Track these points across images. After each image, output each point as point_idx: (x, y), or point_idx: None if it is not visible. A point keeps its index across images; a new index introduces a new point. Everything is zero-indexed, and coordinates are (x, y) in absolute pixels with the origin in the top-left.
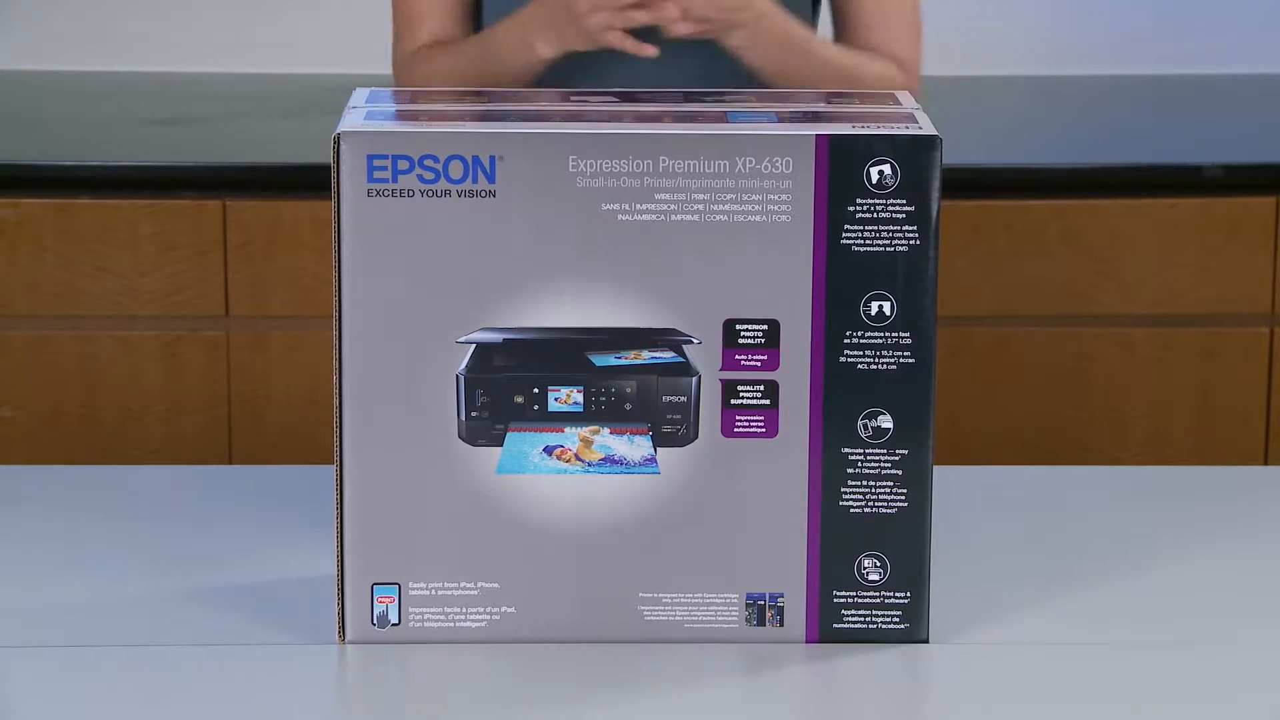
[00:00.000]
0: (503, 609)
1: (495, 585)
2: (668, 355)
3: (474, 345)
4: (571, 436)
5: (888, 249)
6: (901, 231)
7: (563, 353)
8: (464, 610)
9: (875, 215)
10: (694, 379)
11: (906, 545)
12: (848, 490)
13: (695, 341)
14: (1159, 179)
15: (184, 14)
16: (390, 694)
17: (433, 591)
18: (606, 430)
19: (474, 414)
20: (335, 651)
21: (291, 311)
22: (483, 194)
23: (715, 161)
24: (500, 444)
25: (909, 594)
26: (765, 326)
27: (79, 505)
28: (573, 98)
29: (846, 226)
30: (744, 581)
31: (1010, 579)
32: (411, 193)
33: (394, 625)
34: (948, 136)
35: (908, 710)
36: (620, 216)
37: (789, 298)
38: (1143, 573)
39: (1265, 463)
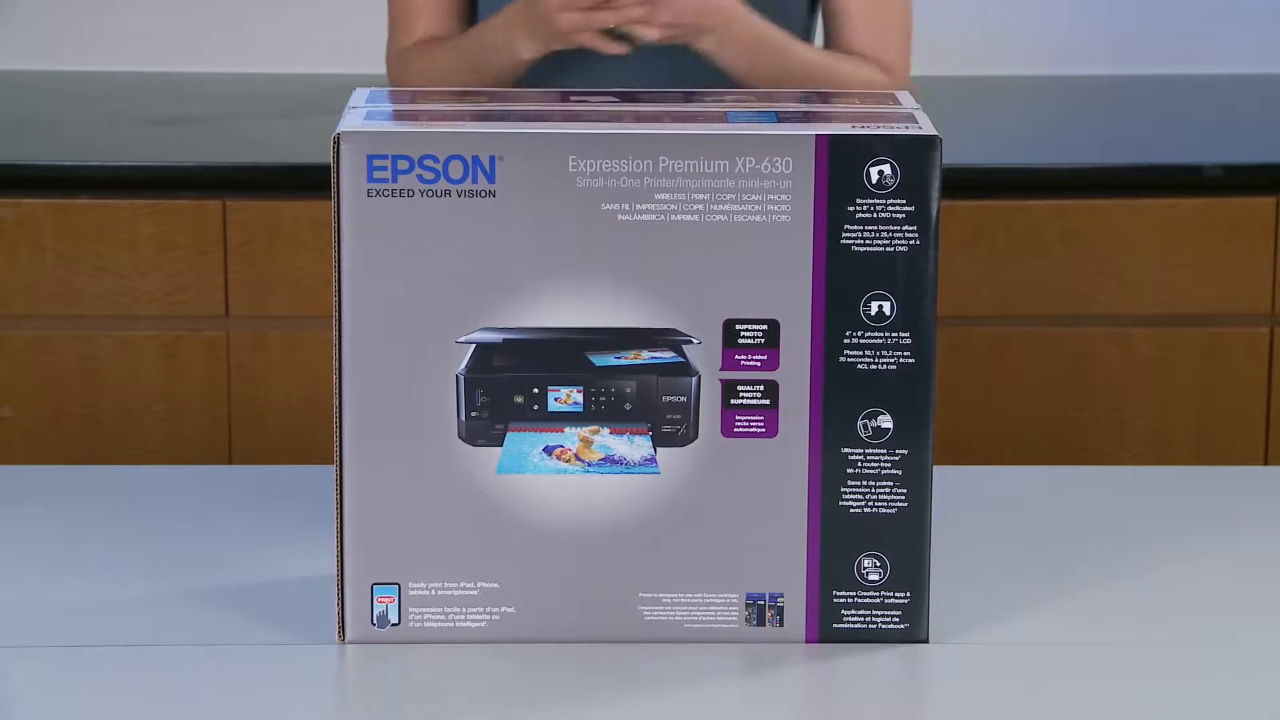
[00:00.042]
0: (503, 609)
1: (495, 585)
2: (668, 355)
3: (474, 345)
4: (571, 436)
5: (888, 249)
6: (901, 231)
7: (563, 353)
8: (464, 610)
9: (875, 215)
10: (694, 379)
11: (906, 545)
12: (847, 490)
13: (695, 341)
14: (1159, 179)
15: (184, 14)
16: (390, 694)
17: (433, 591)
18: (606, 430)
19: (474, 414)
20: (335, 651)
21: (291, 311)
22: (483, 194)
23: (715, 161)
24: (500, 444)
25: (909, 594)
26: (765, 326)
27: (79, 505)
28: (573, 98)
29: (846, 226)
30: (744, 581)
31: (1010, 579)
32: (411, 193)
33: (394, 625)
34: (948, 136)
35: (908, 710)
36: (620, 216)
37: (789, 298)
38: (1143, 573)
39: (1265, 463)
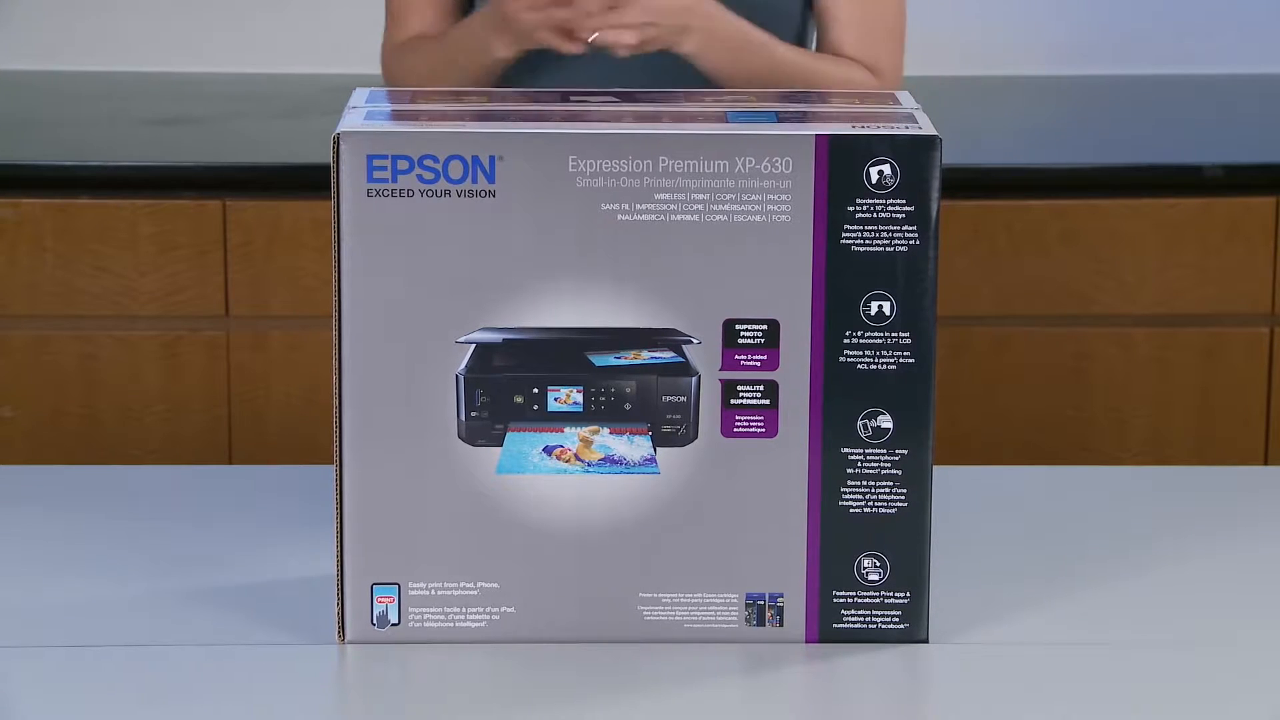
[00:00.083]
0: (503, 609)
1: (495, 585)
2: (667, 355)
3: (474, 345)
4: (571, 436)
5: (888, 249)
6: (901, 231)
7: (562, 353)
8: (464, 610)
9: (875, 215)
10: (694, 379)
11: (906, 545)
12: (847, 490)
13: (695, 341)
14: (1159, 179)
15: (184, 14)
16: (390, 694)
17: (432, 591)
18: (606, 430)
19: (474, 414)
20: (335, 651)
21: (291, 311)
22: (482, 194)
23: (715, 161)
24: (500, 444)
25: (909, 594)
26: (765, 326)
27: (79, 505)
28: (573, 98)
29: (846, 226)
30: (744, 581)
31: (1010, 579)
32: (411, 193)
33: (394, 625)
34: (948, 136)
35: (908, 710)
36: (620, 216)
37: (789, 298)
38: (1143, 573)
39: (1265, 463)
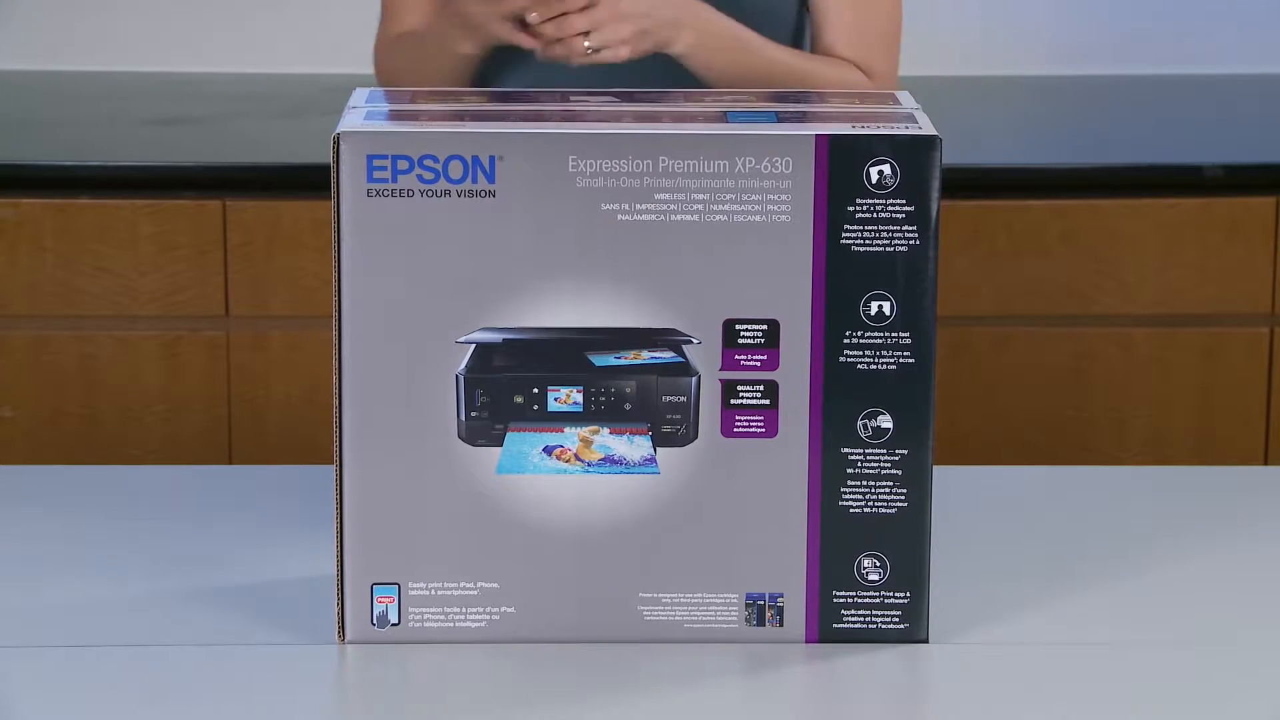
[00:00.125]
0: (503, 609)
1: (495, 585)
2: (667, 355)
3: (474, 345)
4: (571, 436)
5: (887, 249)
6: (901, 231)
7: (562, 353)
8: (464, 610)
9: (875, 215)
10: (694, 379)
11: (906, 545)
12: (847, 490)
13: (695, 341)
14: (1159, 179)
15: (184, 14)
16: (390, 694)
17: (432, 591)
18: (606, 430)
19: (474, 414)
20: (335, 651)
21: (291, 311)
22: (482, 194)
23: (715, 161)
24: (500, 444)
25: (909, 594)
26: (765, 326)
27: (79, 505)
28: (573, 98)
29: (846, 226)
30: (744, 581)
31: (1010, 579)
32: (411, 193)
33: (394, 625)
34: (948, 136)
35: (908, 710)
36: (620, 216)
37: (789, 298)
38: (1143, 573)
39: (1265, 463)
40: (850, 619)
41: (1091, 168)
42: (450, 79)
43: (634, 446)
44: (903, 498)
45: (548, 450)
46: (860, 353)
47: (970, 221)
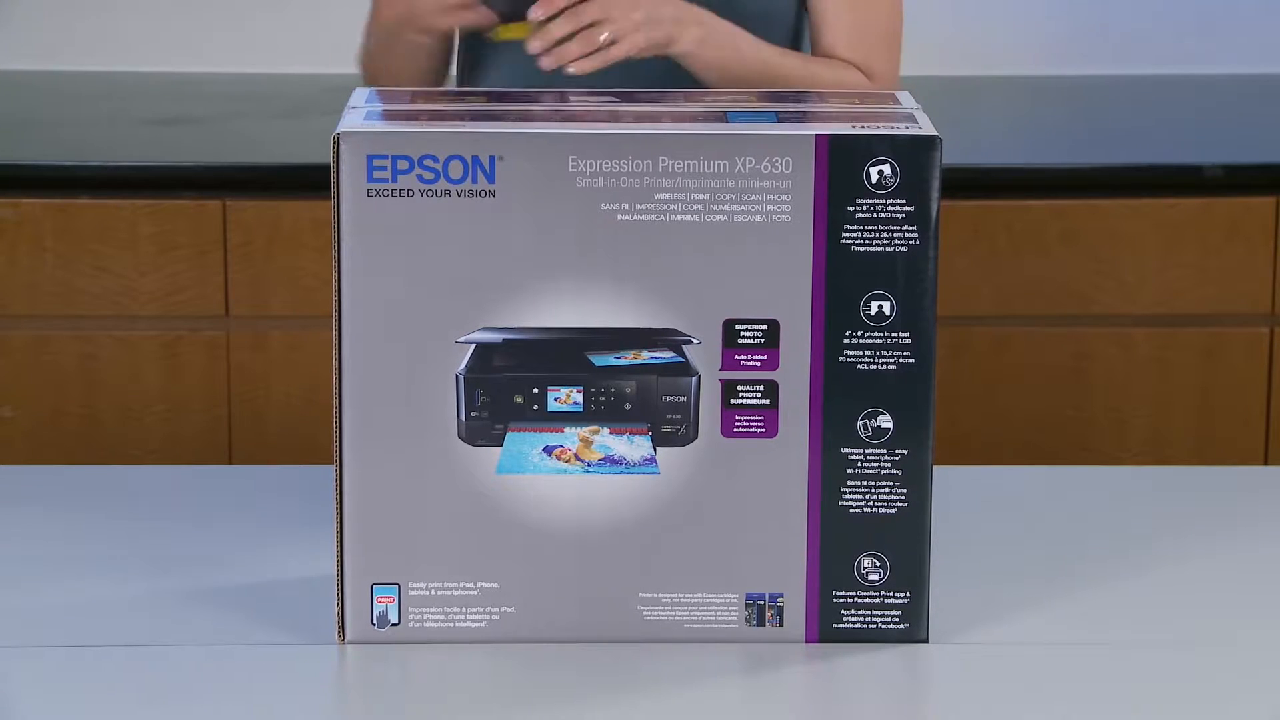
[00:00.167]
0: (503, 609)
1: (495, 585)
2: (667, 355)
3: (474, 345)
4: (571, 436)
5: (887, 249)
6: (901, 231)
7: (562, 353)
8: (464, 610)
9: (875, 215)
10: (694, 379)
11: (906, 545)
12: (847, 490)
13: (695, 341)
14: (1159, 179)
15: (184, 14)
16: (390, 694)
17: (432, 591)
18: (606, 430)
19: (474, 414)
20: (335, 651)
21: (291, 311)
22: (482, 194)
23: (715, 161)
24: (500, 444)
25: (909, 594)
26: (765, 326)
27: (79, 505)
28: (573, 98)
29: (846, 226)
30: (744, 581)
31: (1010, 579)
32: (411, 193)
33: (394, 625)
34: (948, 137)
35: (908, 710)
36: (620, 216)
37: (789, 298)
38: (1143, 573)
39: (1265, 463)
40: (850, 619)
41: (1091, 168)
42: (415, 67)
43: (634, 446)
44: (903, 498)
45: (548, 450)
46: (860, 353)
47: (970, 221)
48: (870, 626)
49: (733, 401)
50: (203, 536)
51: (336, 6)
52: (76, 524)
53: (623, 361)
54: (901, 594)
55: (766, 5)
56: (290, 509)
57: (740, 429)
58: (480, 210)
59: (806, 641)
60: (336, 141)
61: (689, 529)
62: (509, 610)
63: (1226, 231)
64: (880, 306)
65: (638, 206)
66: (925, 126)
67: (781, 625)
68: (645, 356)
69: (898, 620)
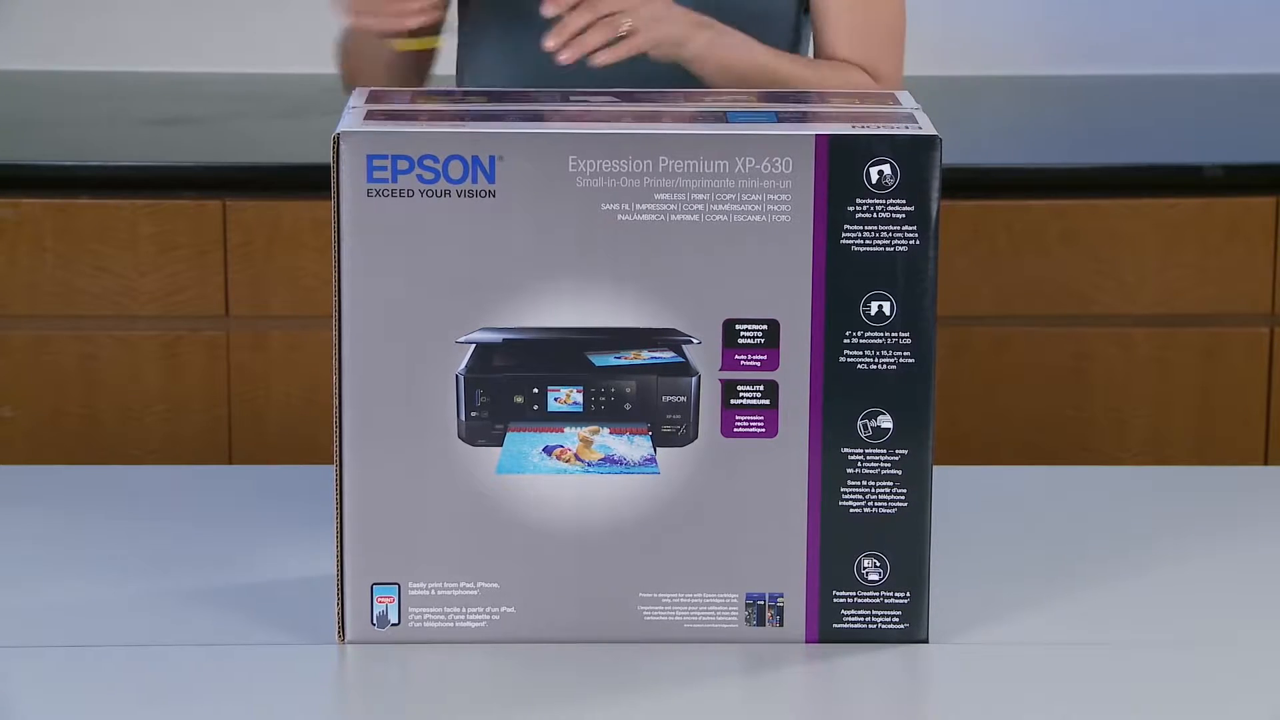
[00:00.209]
0: (503, 609)
1: (495, 585)
2: (667, 355)
3: (474, 345)
4: (571, 436)
5: (888, 249)
6: (901, 231)
7: (562, 353)
8: (464, 610)
9: (875, 215)
10: (694, 379)
11: (906, 545)
12: (847, 490)
13: (695, 341)
14: (1159, 179)
15: (184, 14)
16: (390, 694)
17: (432, 591)
18: (606, 430)
19: (474, 414)
20: (335, 651)
21: (291, 311)
22: (483, 194)
23: (715, 161)
24: (500, 444)
25: (909, 594)
26: (765, 326)
27: (79, 505)
28: (573, 98)
29: (846, 226)
30: (744, 581)
31: (1010, 579)
32: (411, 193)
33: (394, 625)
34: (948, 137)
35: (908, 710)
36: (620, 216)
37: (789, 298)
38: (1143, 573)
39: (1265, 463)
40: (850, 619)
41: (1091, 168)
42: (380, 67)
43: (634, 446)
44: (903, 498)
45: (548, 450)
46: (860, 353)
47: (970, 221)
48: (870, 626)
49: (733, 401)
50: (203, 536)
51: None
52: (76, 524)
53: (623, 361)
54: (901, 594)
55: (766, 5)
56: (290, 509)
57: (740, 429)
58: (480, 210)
59: (806, 641)
60: (336, 141)
61: (689, 529)
62: (509, 610)
63: (1226, 231)
64: (880, 306)
65: (638, 206)
66: (925, 126)
67: (781, 625)
68: (645, 356)
69: (898, 620)
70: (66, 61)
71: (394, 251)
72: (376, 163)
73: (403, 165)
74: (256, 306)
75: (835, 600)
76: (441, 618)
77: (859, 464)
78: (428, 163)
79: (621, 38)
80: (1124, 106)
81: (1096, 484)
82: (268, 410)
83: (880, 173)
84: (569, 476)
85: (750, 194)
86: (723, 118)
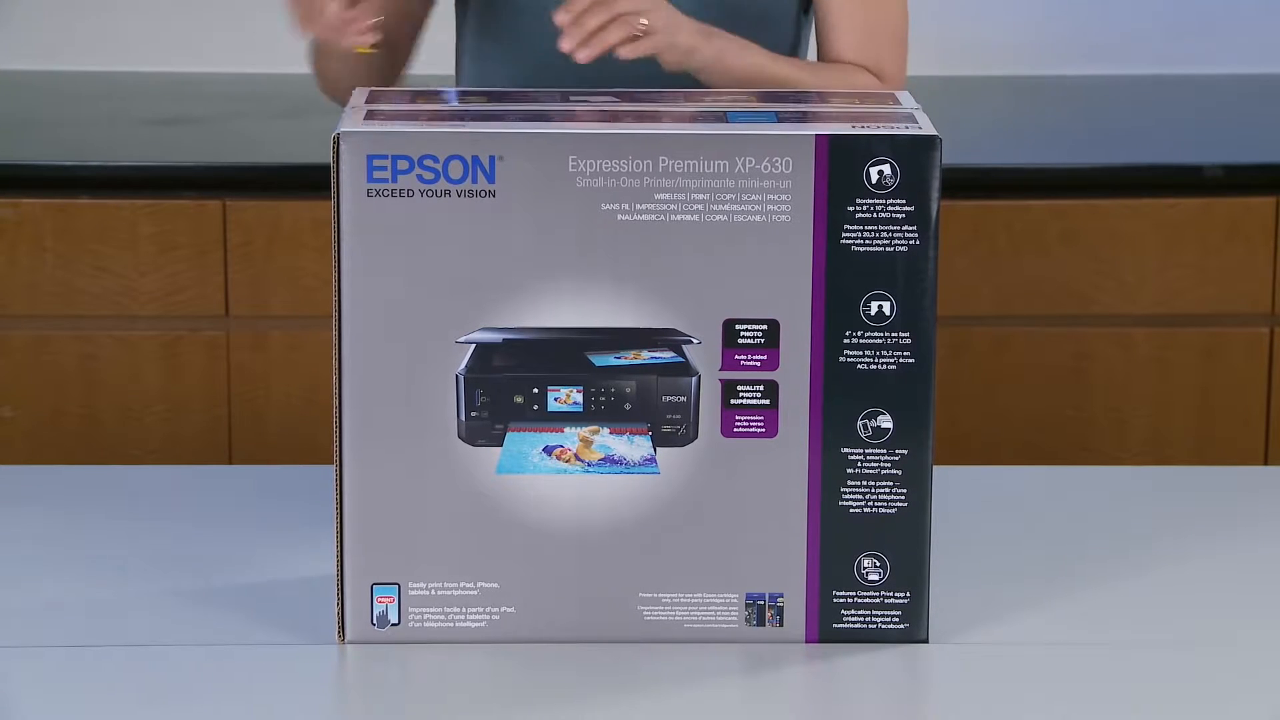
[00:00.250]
0: (503, 609)
1: (495, 585)
2: (667, 355)
3: (474, 345)
4: (571, 436)
5: (887, 249)
6: (901, 231)
7: (562, 353)
8: (464, 610)
9: (875, 215)
10: (694, 379)
11: (906, 545)
12: (847, 490)
13: (695, 341)
14: (1159, 179)
15: (184, 14)
16: (390, 694)
17: (432, 591)
18: (606, 430)
19: (474, 414)
20: (335, 651)
21: (291, 311)
22: (483, 194)
23: (715, 161)
24: (500, 444)
25: (909, 594)
26: (765, 326)
27: (79, 505)
28: (573, 98)
29: (846, 226)
30: (744, 581)
31: (1010, 579)
32: (411, 193)
33: (394, 625)
34: (948, 137)
35: (908, 710)
36: (620, 216)
37: (789, 298)
38: (1143, 573)
39: (1265, 463)
40: (850, 619)
41: (1091, 168)
42: (349, 68)
43: (634, 446)
44: (903, 498)
45: (548, 450)
46: (860, 353)
47: (970, 221)
48: (870, 626)
49: (733, 401)
50: (203, 536)
51: None
52: (76, 524)
53: (623, 361)
54: (901, 594)
55: (766, 5)
56: (290, 509)
57: (740, 429)
58: (480, 210)
59: (806, 641)
60: (336, 141)
61: (689, 529)
62: (509, 610)
63: (1226, 231)
64: (880, 306)
65: (638, 206)
66: (925, 126)
67: (781, 625)
68: (645, 356)
69: (898, 620)
70: (66, 61)
71: (394, 251)
72: (376, 163)
73: (403, 165)
74: (256, 306)
75: (835, 600)
76: (441, 618)
77: (859, 464)
78: (428, 163)
79: (637, 36)
80: (1124, 106)
81: (1096, 484)
82: (268, 410)
83: (880, 173)
84: (569, 476)
85: (750, 194)
86: (723, 118)
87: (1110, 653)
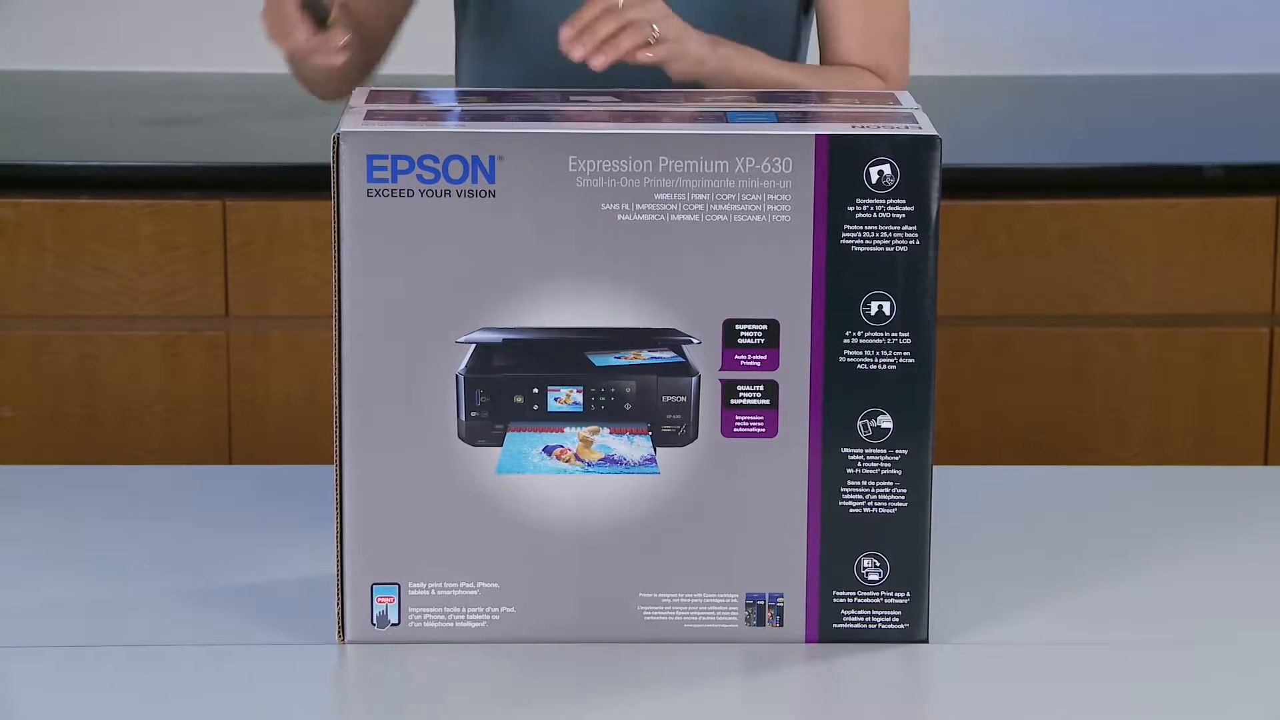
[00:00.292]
0: (503, 609)
1: (495, 585)
2: (667, 355)
3: (474, 345)
4: (571, 436)
5: (887, 249)
6: (901, 231)
7: (562, 353)
8: (464, 610)
9: (875, 215)
10: (694, 379)
11: (906, 545)
12: (847, 490)
13: (695, 341)
14: (1159, 179)
15: (184, 14)
16: (390, 694)
17: (432, 591)
18: (606, 430)
19: (474, 414)
20: (335, 651)
21: (291, 311)
22: (483, 194)
23: (715, 161)
24: (500, 444)
25: (909, 594)
26: (765, 326)
27: (79, 505)
28: (573, 98)
29: (846, 226)
30: (744, 581)
31: (1010, 579)
32: (411, 193)
33: (394, 625)
34: (948, 137)
35: (908, 710)
36: (620, 216)
37: (789, 298)
38: (1143, 573)
39: (1265, 463)
40: (850, 619)
41: (1091, 168)
42: (317, 76)
43: (634, 446)
44: (903, 498)
45: (548, 450)
46: (860, 353)
47: (970, 221)
48: (870, 626)
49: (733, 401)
50: (203, 536)
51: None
52: (76, 524)
53: (623, 361)
54: (901, 594)
55: (766, 7)
56: (290, 509)
57: (740, 429)
58: (480, 210)
59: (806, 641)
60: (336, 141)
61: (689, 529)
62: (509, 610)
63: (1226, 231)
64: (880, 306)
65: (638, 206)
66: (925, 126)
67: (781, 625)
68: (645, 356)
69: (898, 620)
70: (66, 61)
71: (394, 251)
72: (376, 163)
73: (403, 165)
74: (256, 306)
75: (835, 600)
76: (441, 618)
77: (859, 464)
78: (428, 163)
79: (649, 43)
80: (1124, 106)
81: (1096, 484)
82: (268, 410)
83: (880, 173)
84: (569, 476)
85: (750, 194)
86: (723, 118)
87: (1110, 653)
